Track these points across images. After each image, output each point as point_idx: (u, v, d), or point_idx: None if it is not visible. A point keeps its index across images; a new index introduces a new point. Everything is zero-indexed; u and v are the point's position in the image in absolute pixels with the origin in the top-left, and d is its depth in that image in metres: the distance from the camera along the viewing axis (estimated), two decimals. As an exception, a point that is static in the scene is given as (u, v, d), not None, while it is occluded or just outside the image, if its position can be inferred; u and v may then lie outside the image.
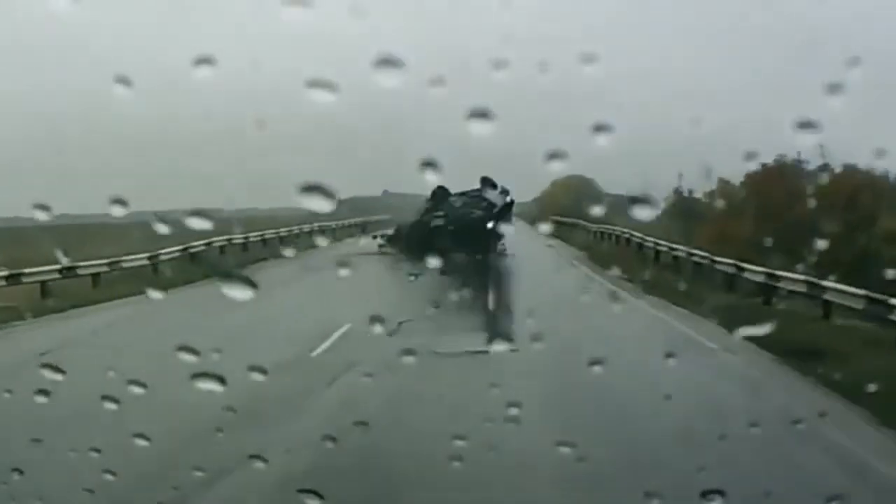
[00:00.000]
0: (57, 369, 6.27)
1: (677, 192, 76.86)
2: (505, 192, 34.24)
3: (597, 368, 8.16)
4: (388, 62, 3.21)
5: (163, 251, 26.78)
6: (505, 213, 34.08)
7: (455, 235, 29.73)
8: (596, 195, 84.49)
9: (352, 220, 68.14)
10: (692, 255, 26.01)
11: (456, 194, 34.72)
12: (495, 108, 3.31)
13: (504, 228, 30.51)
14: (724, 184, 67.82)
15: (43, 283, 22.89)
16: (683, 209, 69.23)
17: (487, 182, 33.70)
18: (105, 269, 24.08)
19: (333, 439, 7.35)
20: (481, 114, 3.32)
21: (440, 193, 33.79)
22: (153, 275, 25.85)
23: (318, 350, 14.47)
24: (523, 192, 40.67)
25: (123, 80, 4.07)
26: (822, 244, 16.22)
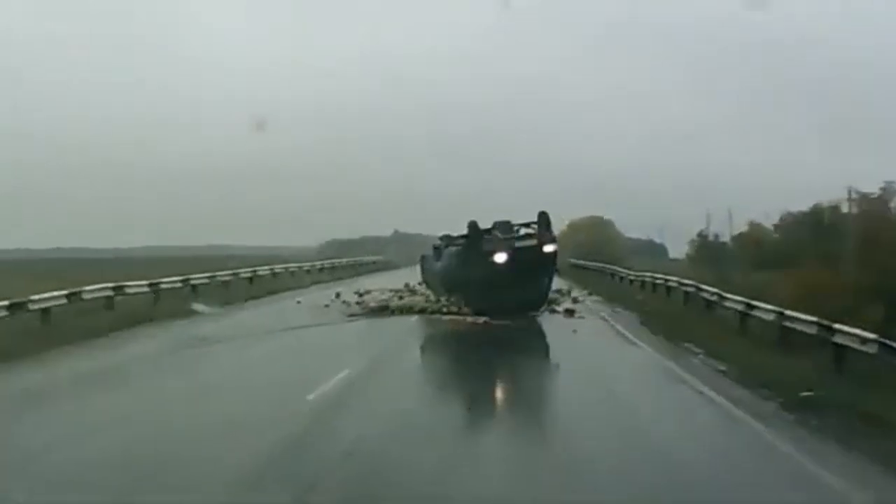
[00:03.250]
0: None
1: (701, 235, 67.20)
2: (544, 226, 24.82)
3: None
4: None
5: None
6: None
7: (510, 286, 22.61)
8: (616, 238, 74.68)
9: (334, 261, 58.02)
10: (829, 329, 15.41)
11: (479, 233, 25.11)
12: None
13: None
14: (754, 226, 57.84)
15: None
16: (710, 254, 59.34)
17: (543, 218, 25.00)
18: None
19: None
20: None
21: (474, 231, 24.95)
22: None
23: None
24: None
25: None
26: None
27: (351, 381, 12.47)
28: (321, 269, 51.06)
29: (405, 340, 18.23)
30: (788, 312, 17.37)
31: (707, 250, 65.32)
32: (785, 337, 17.41)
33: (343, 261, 59.62)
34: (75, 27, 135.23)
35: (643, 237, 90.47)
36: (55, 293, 20.06)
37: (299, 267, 47.17)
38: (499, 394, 13.08)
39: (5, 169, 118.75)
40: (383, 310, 24.85)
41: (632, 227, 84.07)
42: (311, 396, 10.98)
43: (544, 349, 18.00)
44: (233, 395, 11.52)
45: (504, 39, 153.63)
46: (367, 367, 13.92)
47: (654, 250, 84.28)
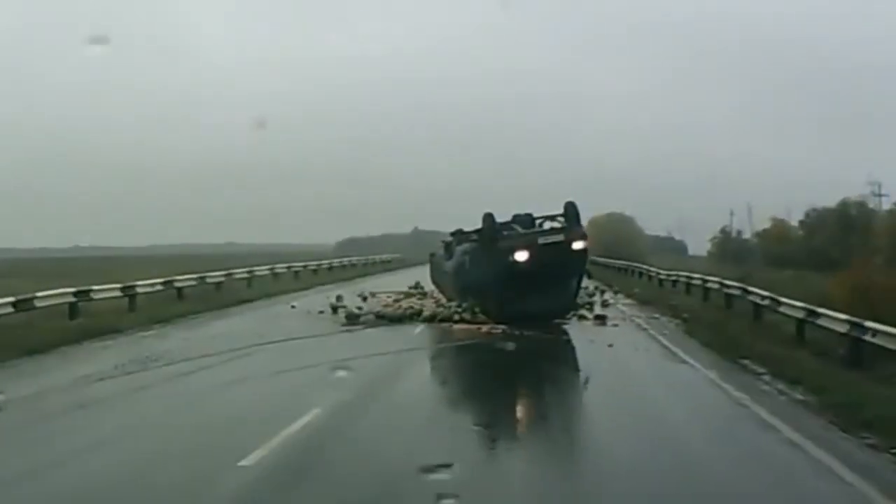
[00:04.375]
0: None
1: (724, 231, 64.26)
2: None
3: None
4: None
5: None
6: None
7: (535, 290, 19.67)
8: (637, 234, 71.72)
9: (346, 259, 55.16)
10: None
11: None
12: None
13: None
14: (777, 222, 54.62)
15: None
16: (732, 250, 56.31)
17: (571, 209, 21.75)
18: None
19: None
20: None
21: (490, 225, 21.67)
22: None
23: None
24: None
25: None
26: None
27: (316, 429, 8.85)
28: (330, 268, 48.26)
29: (405, 358, 15.08)
30: (868, 324, 14.39)
31: (729, 247, 62.83)
32: (854, 350, 14.68)
33: (354, 259, 57.18)
34: (75, 27, 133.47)
35: (662, 234, 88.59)
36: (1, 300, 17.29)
37: (304, 266, 44.29)
38: (521, 452, 8.87)
39: (7, 169, 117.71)
40: (385, 317, 21.89)
41: (649, 223, 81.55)
42: (246, 461, 7.45)
43: (576, 372, 14.81)
44: (132, 458, 8.04)
45: (512, 37, 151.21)
46: (346, 402, 10.40)
47: (674, 247, 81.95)
